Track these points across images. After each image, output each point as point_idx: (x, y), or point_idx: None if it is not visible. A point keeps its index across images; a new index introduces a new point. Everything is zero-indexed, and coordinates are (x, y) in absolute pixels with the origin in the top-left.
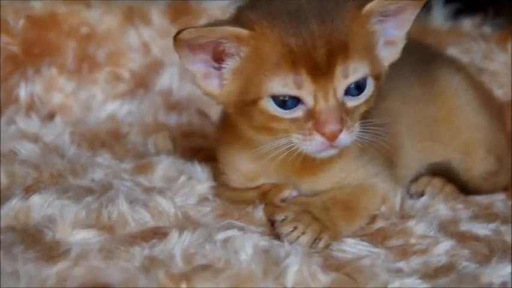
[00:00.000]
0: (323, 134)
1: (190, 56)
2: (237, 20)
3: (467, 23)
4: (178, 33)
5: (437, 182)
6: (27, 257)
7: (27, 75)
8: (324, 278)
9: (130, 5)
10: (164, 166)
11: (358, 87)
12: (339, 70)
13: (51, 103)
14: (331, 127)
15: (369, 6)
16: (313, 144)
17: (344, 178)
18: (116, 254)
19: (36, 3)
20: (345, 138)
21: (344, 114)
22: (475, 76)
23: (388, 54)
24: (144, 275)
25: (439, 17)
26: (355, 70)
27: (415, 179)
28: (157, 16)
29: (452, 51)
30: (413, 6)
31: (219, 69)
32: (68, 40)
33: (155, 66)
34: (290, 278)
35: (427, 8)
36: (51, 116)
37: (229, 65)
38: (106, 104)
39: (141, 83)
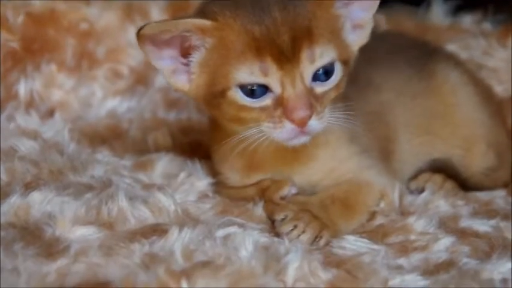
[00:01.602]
0: (293, 121)
1: (156, 52)
2: (201, 12)
3: (467, 20)
4: (140, 28)
5: (437, 178)
6: (27, 254)
7: (27, 72)
8: (324, 275)
9: (130, 1)
10: (164, 163)
11: (326, 73)
12: (304, 55)
13: (51, 100)
14: (300, 113)
15: None
16: (283, 131)
17: (336, 167)
18: (116, 251)
19: (35, 0)
20: (315, 124)
21: (313, 100)
22: (474, 72)
23: (357, 38)
24: (144, 271)
25: (438, 14)
26: (321, 55)
27: (415, 176)
28: (157, 13)
29: (451, 48)
30: None
31: (187, 64)
32: (68, 37)
33: None
34: (290, 274)
35: (426, 4)
36: (50, 113)
37: (196, 58)
38: (105, 100)
39: (141, 79)
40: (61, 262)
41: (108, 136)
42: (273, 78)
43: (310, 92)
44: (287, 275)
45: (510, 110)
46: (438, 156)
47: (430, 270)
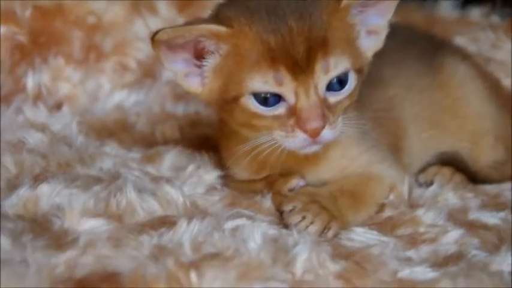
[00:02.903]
0: (305, 131)
1: (170, 56)
2: (216, 17)
3: (476, 12)
4: (155, 34)
5: (446, 171)
6: (36, 246)
7: (35, 65)
8: (333, 266)
9: None
10: (172, 155)
11: (340, 82)
12: (319, 66)
13: (59, 93)
14: (313, 124)
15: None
16: (295, 140)
17: (347, 165)
18: (125, 243)
19: None
20: (327, 134)
21: (326, 110)
22: (483, 65)
23: (371, 44)
24: (153, 263)
25: (447, 6)
26: (336, 65)
27: (424, 169)
28: (164, 6)
29: (459, 41)
30: None
31: (200, 67)
32: (75, 30)
33: None
34: (299, 266)
35: None
36: (58, 106)
37: (210, 62)
38: (113, 93)
39: (148, 72)
40: (70, 254)
41: (116, 129)
42: (287, 88)
43: (323, 102)
44: (296, 266)
45: None
46: (446, 149)
47: (439, 263)
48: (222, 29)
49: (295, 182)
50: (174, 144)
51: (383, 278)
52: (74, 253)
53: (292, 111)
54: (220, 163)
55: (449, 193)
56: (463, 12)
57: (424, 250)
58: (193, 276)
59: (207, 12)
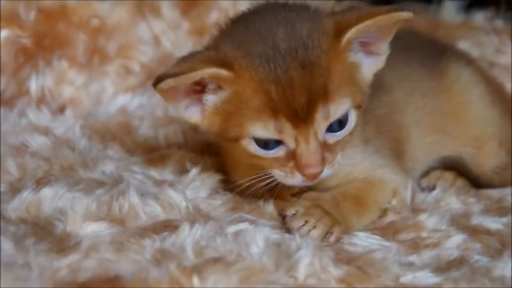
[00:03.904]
0: (304, 176)
1: (171, 94)
2: (215, 53)
3: (479, 17)
4: (157, 82)
5: (448, 175)
6: (39, 249)
7: (38, 68)
8: (335, 271)
9: None
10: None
11: (339, 123)
12: (319, 115)
13: (62, 96)
14: (312, 170)
15: (346, 38)
16: (294, 180)
17: (351, 171)
18: (127, 247)
19: None
20: (326, 172)
21: (326, 151)
22: (486, 70)
23: (372, 65)
24: (155, 267)
25: (450, 10)
26: (335, 111)
27: (427, 173)
28: (168, 9)
29: (463, 45)
30: (394, 19)
31: (200, 99)
32: (79, 33)
33: (166, 59)
34: (302, 270)
35: (438, 1)
36: (61, 109)
37: (211, 98)
38: (117, 97)
39: (152, 76)
40: (72, 258)
41: (119, 132)
42: (288, 136)
43: (323, 145)
44: (298, 271)
45: None
46: (449, 154)
47: (441, 267)
48: (223, 72)
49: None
50: (177, 148)
51: (385, 283)
52: (77, 257)
53: (292, 155)
54: (222, 167)
55: (452, 198)
56: (467, 17)
57: (427, 255)
58: (195, 280)
59: (211, 15)
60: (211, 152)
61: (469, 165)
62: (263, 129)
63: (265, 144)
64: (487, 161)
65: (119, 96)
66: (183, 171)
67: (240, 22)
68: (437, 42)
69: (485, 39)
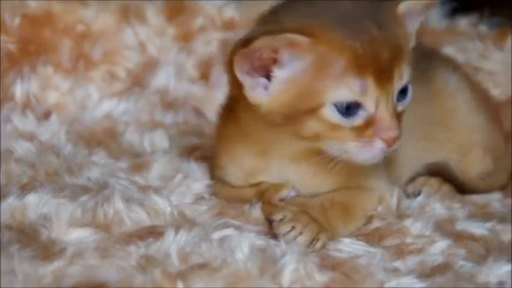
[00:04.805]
0: (385, 140)
1: (240, 66)
2: (282, 29)
3: (464, 22)
4: (250, 40)
5: (434, 181)
6: (24, 256)
7: (23, 74)
8: (320, 277)
9: (126, 3)
10: (160, 165)
11: (402, 92)
12: (397, 74)
13: (47, 102)
14: (393, 133)
15: (405, 6)
16: (371, 151)
17: (344, 182)
18: (112, 253)
19: (32, 2)
20: (397, 143)
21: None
22: (472, 75)
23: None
24: (140, 273)
25: (435, 16)
26: (407, 72)
27: (413, 179)
28: (153, 15)
29: (448, 50)
30: (428, 6)
31: (268, 78)
32: (64, 38)
33: (151, 65)
34: (286, 277)
35: None
36: (47, 115)
37: (281, 74)
38: (102, 102)
39: (137, 81)
40: (57, 264)
41: (105, 138)
42: (370, 97)
43: (396, 111)
44: (283, 277)
45: (507, 113)
46: (435, 160)
47: (426, 273)
48: (304, 39)
49: (286, 192)
50: (163, 153)
51: None
52: (62, 263)
53: (371, 121)
54: (208, 172)
55: (437, 204)
56: (451, 22)
57: (411, 261)
58: (180, 286)
59: (196, 21)
60: (197, 157)
61: (454, 172)
62: (348, 91)
63: (345, 110)
64: (472, 167)
65: (104, 102)
66: (168, 176)
67: (292, 4)
68: (424, 48)
69: (469, 44)
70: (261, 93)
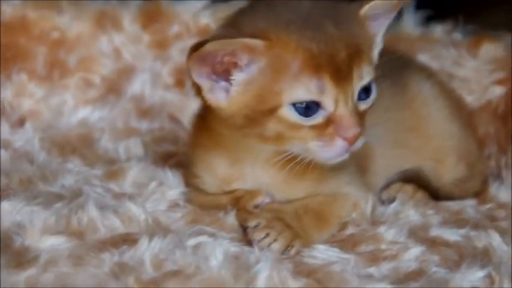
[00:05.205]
0: (345, 139)
1: (197, 69)
2: (238, 29)
3: (438, 30)
4: (198, 46)
5: (408, 188)
6: None
7: None
8: (294, 284)
9: (102, 10)
10: (135, 172)
11: (365, 91)
12: (356, 73)
13: (22, 109)
14: (353, 131)
15: (366, 8)
16: (334, 149)
17: (318, 187)
18: (86, 260)
19: (6, 8)
20: (360, 142)
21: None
22: (446, 83)
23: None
24: (113, 281)
25: (409, 24)
26: (367, 72)
27: (387, 186)
28: (129, 22)
29: (422, 58)
30: (393, 7)
31: (218, 81)
32: (39, 45)
33: (127, 72)
34: (261, 283)
35: (397, 14)
36: (21, 122)
37: (240, 76)
38: (77, 109)
39: (113, 88)
40: (30, 272)
41: (79, 145)
42: (329, 96)
43: (356, 109)
44: (257, 284)
45: (480, 120)
46: (410, 167)
47: (399, 279)
48: (259, 42)
49: (261, 199)
50: (138, 160)
51: None
52: (35, 271)
53: (331, 120)
54: (183, 179)
55: (411, 210)
56: (426, 30)
57: (385, 267)
58: None
59: (172, 28)
60: (172, 164)
61: (428, 178)
62: (304, 90)
63: (303, 110)
64: (446, 173)
65: (79, 109)
66: (143, 183)
67: (254, 6)
68: (399, 55)
69: (443, 52)
70: (221, 96)
